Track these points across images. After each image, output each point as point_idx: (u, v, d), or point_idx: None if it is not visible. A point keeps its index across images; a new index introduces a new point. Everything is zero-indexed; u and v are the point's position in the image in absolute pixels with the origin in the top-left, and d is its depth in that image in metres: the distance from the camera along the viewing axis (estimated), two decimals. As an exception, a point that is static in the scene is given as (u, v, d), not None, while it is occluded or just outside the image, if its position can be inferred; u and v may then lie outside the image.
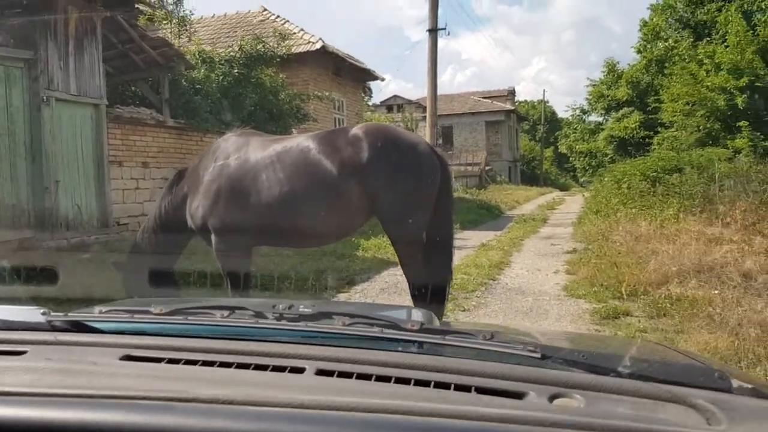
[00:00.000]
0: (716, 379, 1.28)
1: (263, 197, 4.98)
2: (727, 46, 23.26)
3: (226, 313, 1.58)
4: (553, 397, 1.14)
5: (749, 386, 1.26)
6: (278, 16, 18.98)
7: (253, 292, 5.33)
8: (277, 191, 4.95)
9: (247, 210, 5.05)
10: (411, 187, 4.92)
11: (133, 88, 12.97)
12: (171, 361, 1.31)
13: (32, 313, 1.59)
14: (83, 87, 9.82)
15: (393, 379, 1.21)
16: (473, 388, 1.17)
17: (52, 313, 1.57)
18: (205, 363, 1.30)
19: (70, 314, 1.59)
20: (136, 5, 10.56)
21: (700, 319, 6.39)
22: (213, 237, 5.14)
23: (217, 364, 1.29)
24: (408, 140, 5.15)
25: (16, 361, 1.31)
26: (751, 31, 23.25)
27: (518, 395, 1.15)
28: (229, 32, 18.03)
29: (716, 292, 7.31)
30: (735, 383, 1.26)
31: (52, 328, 1.52)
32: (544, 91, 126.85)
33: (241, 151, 5.23)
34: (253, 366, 1.27)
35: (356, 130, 5.10)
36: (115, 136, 10.58)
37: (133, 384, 1.16)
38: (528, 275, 9.43)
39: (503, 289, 8.38)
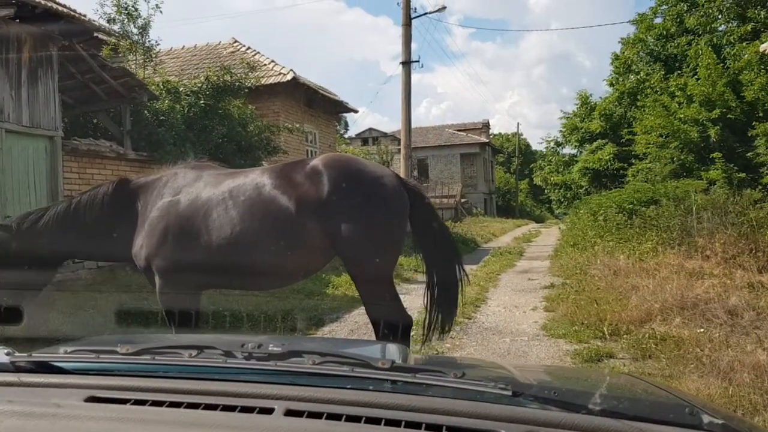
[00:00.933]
0: (687, 415, 1.29)
1: (213, 238, 4.52)
2: (698, 79, 23.42)
3: (194, 352, 1.53)
4: None
5: (719, 422, 1.27)
6: (249, 48, 18.68)
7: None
8: (228, 231, 4.50)
9: (195, 251, 4.58)
10: (376, 225, 4.49)
11: (95, 120, 12.47)
12: (137, 402, 1.28)
13: None
14: (37, 118, 9.32)
15: (363, 419, 1.19)
16: (444, 428, 1.16)
17: (16, 354, 1.52)
18: (172, 404, 1.27)
19: (34, 354, 1.53)
20: (96, 34, 10.14)
21: (687, 361, 6.07)
22: (157, 279, 4.66)
23: (185, 405, 1.26)
24: (373, 172, 4.69)
25: None
26: (722, 64, 23.47)
27: None
28: (198, 64, 17.65)
29: (701, 330, 7.00)
30: (706, 419, 1.26)
31: (16, 368, 1.48)
32: (518, 123, 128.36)
33: (192, 186, 4.78)
34: (221, 407, 1.25)
35: (316, 161, 4.66)
36: (71, 169, 10.06)
37: (97, 428, 1.15)
38: (505, 313, 9.03)
39: (479, 329, 7.97)
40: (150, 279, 4.76)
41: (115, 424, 1.18)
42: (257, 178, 4.65)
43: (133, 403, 1.28)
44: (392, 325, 4.47)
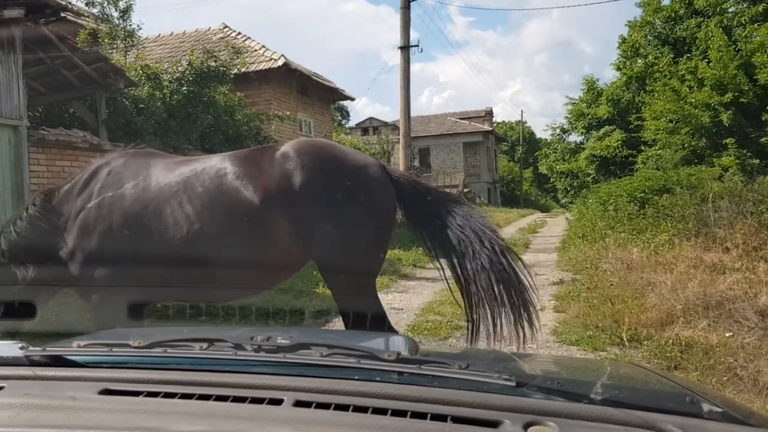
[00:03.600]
0: (687, 403, 1.33)
1: (166, 239, 3.78)
2: (709, 62, 22.65)
3: (205, 345, 1.55)
4: (527, 425, 1.15)
5: (719, 410, 1.31)
6: (239, 33, 17.89)
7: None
8: (184, 230, 3.77)
9: (144, 256, 3.84)
10: (356, 224, 3.76)
11: (71, 109, 11.71)
12: (150, 394, 1.31)
13: (10, 348, 1.56)
14: (-2, 106, 8.55)
15: (370, 410, 1.21)
16: (449, 418, 1.19)
17: (31, 348, 1.54)
18: (184, 396, 1.29)
19: (48, 348, 1.56)
20: (63, 14, 9.35)
21: (719, 372, 5.36)
22: (95, 294, 3.91)
23: (196, 396, 1.29)
24: (353, 160, 3.97)
25: None
26: (733, 47, 22.68)
27: (493, 424, 1.17)
28: (186, 50, 16.85)
29: (730, 334, 6.28)
30: (706, 407, 1.30)
31: (30, 362, 1.51)
32: (522, 111, 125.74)
33: (138, 177, 4.02)
34: (231, 398, 1.28)
35: (286, 147, 3.93)
36: (38, 161, 9.27)
37: (111, 419, 1.19)
38: (511, 314, 8.24)
39: (482, 334, 7.19)
40: (82, 293, 4.01)
41: (128, 416, 1.20)
42: (217, 165, 3.92)
43: (145, 395, 1.30)
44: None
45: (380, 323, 3.82)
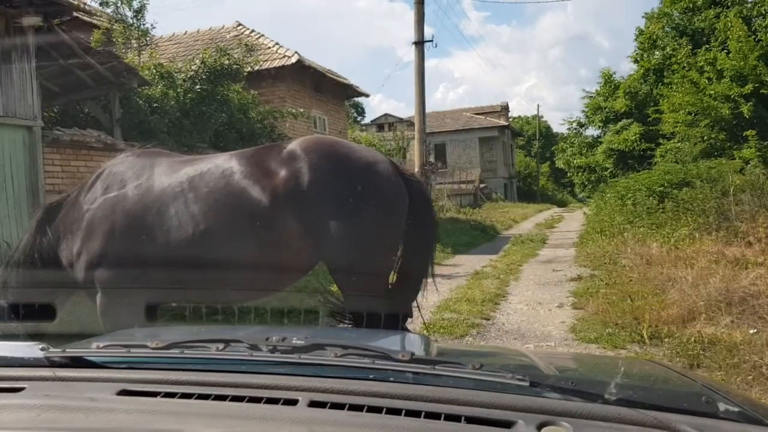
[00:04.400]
0: (703, 403, 1.31)
1: (170, 240, 3.72)
2: (728, 53, 22.26)
3: (221, 345, 1.57)
4: (541, 426, 1.16)
5: (735, 410, 1.29)
6: (253, 31, 17.86)
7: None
8: (189, 231, 3.70)
9: (148, 257, 3.78)
10: (367, 220, 3.67)
11: (86, 109, 11.71)
12: (167, 395, 1.33)
13: (31, 349, 1.59)
14: (11, 107, 8.55)
15: (384, 410, 1.23)
16: (463, 418, 1.20)
17: (51, 349, 1.56)
18: (201, 396, 1.31)
19: (67, 349, 1.58)
20: (75, 14, 9.35)
21: (744, 371, 5.24)
22: (100, 295, 3.85)
23: (212, 397, 1.31)
24: (363, 157, 3.88)
25: (14, 398, 1.33)
26: (753, 37, 22.28)
27: (507, 424, 1.17)
28: (200, 49, 16.85)
29: (754, 331, 6.14)
30: (722, 407, 1.28)
31: (50, 363, 1.54)
32: (538, 105, 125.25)
33: (141, 177, 3.96)
34: (247, 398, 1.29)
35: (293, 145, 3.85)
36: (53, 161, 9.28)
37: (129, 420, 1.22)
38: (528, 311, 8.14)
39: (499, 332, 7.10)
40: (91, 295, 3.96)
41: (146, 417, 1.22)
42: (223, 165, 3.85)
43: (163, 396, 1.32)
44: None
45: (393, 325, 3.73)
